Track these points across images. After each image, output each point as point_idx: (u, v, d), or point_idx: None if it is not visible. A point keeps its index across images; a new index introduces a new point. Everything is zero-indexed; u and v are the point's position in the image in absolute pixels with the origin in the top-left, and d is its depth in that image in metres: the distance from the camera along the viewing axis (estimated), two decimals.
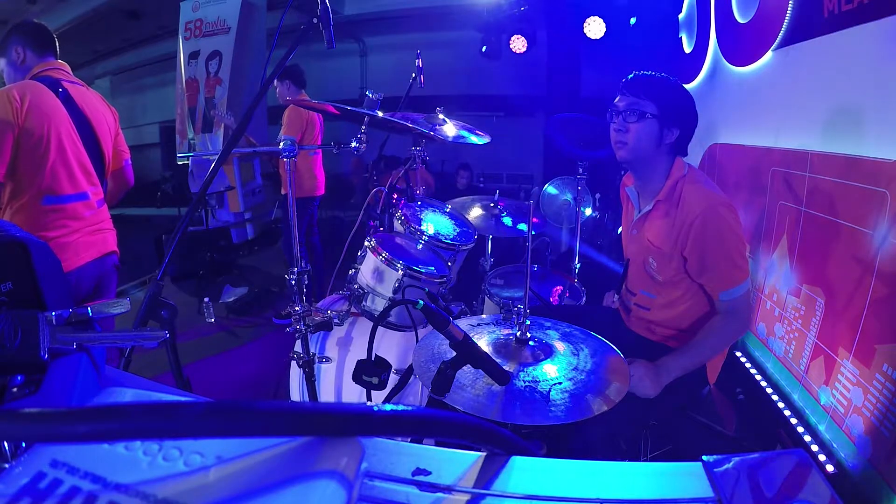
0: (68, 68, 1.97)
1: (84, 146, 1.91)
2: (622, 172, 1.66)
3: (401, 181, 2.08)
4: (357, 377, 1.30)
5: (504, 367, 0.94)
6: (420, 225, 1.89)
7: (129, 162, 2.17)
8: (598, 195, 3.24)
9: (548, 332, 1.24)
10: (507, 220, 2.43)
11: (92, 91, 2.03)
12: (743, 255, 1.42)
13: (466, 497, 0.36)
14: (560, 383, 1.01)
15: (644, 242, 1.56)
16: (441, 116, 1.99)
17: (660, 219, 1.52)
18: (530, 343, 1.13)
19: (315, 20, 1.44)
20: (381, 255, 1.67)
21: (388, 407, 0.33)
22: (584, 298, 2.34)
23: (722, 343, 1.48)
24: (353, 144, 1.63)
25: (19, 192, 1.77)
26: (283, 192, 3.65)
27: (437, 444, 0.42)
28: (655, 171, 1.53)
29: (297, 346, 1.65)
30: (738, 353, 2.51)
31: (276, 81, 3.31)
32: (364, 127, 1.63)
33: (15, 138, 1.70)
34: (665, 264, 1.51)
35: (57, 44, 1.97)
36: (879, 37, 1.57)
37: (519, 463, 0.40)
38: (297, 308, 1.56)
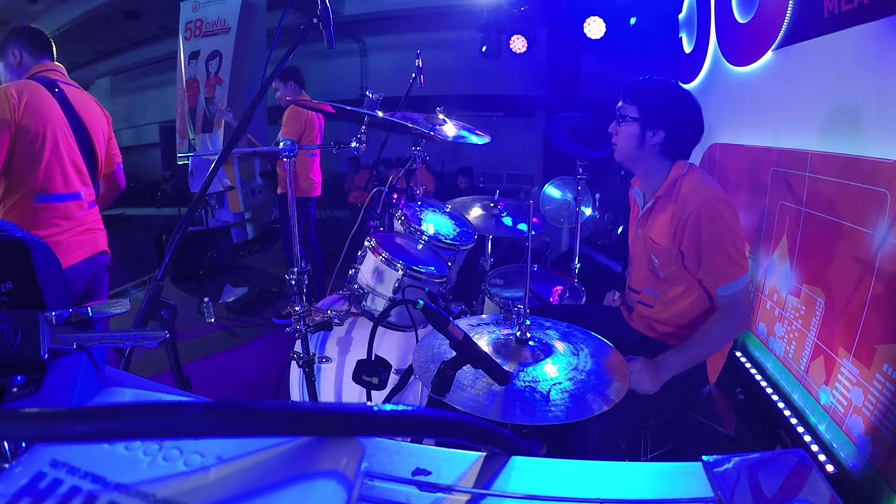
0: (64, 70, 1.98)
1: (78, 147, 1.91)
2: (621, 172, 1.69)
3: (401, 181, 2.08)
4: (357, 377, 1.30)
5: (504, 367, 0.94)
6: (420, 225, 1.89)
7: (121, 166, 2.18)
8: (598, 195, 3.23)
9: (548, 332, 1.24)
10: (507, 220, 2.43)
11: (87, 94, 2.04)
12: (739, 250, 1.42)
13: (466, 497, 0.36)
14: (560, 383, 1.01)
15: (647, 241, 1.58)
16: (441, 116, 1.99)
17: (660, 215, 1.55)
18: (530, 343, 1.13)
19: (315, 20, 1.44)
20: (381, 255, 1.67)
21: (388, 407, 0.33)
22: (584, 298, 2.34)
23: (721, 339, 1.48)
24: (353, 144, 1.63)
25: (13, 189, 1.77)
26: (279, 191, 3.65)
27: (437, 444, 0.42)
28: (652, 172, 1.56)
29: (297, 346, 1.65)
30: (738, 353, 2.51)
31: (277, 83, 3.31)
32: (364, 127, 1.63)
33: (11, 136, 1.71)
34: (666, 260, 1.52)
35: (54, 46, 1.98)
36: (879, 37, 1.57)
37: (519, 463, 0.40)
38: (297, 308, 1.56)
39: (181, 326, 3.31)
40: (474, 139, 1.99)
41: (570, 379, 1.03)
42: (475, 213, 2.43)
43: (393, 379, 1.44)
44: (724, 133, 2.85)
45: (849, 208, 1.71)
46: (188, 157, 5.58)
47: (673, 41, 3.86)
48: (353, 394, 1.74)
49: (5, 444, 0.40)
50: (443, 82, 6.37)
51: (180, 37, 6.10)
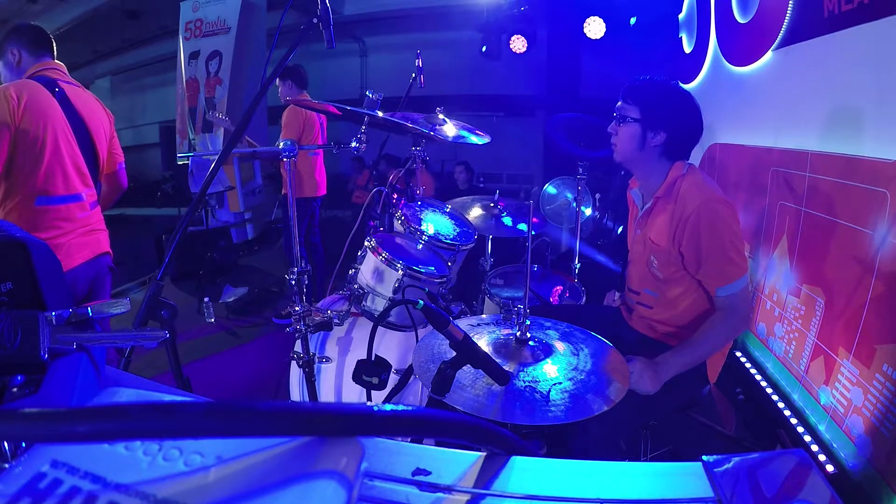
0: (65, 69, 1.96)
1: (79, 147, 1.89)
2: (621, 172, 1.69)
3: (401, 181, 2.08)
4: (357, 377, 1.30)
5: (504, 367, 0.94)
6: (420, 225, 1.89)
7: (123, 165, 2.15)
8: (598, 195, 3.23)
9: (548, 332, 1.24)
10: (507, 220, 2.43)
11: (88, 92, 2.02)
12: (739, 251, 1.42)
13: (466, 497, 0.36)
14: (560, 383, 1.01)
15: (646, 241, 1.58)
16: (441, 116, 1.99)
17: (659, 215, 1.55)
18: (530, 343, 1.13)
19: (315, 20, 1.44)
20: (381, 255, 1.67)
21: (388, 407, 0.33)
22: (584, 298, 2.34)
23: (721, 340, 1.48)
24: (353, 144, 1.63)
25: (13, 191, 1.75)
26: (283, 192, 3.65)
27: (437, 444, 0.42)
28: (651, 172, 1.57)
29: (297, 346, 1.65)
30: (738, 353, 2.51)
31: (277, 80, 3.31)
32: (364, 127, 1.63)
33: (11, 138, 1.69)
34: (665, 261, 1.52)
35: (54, 44, 1.96)
36: (879, 37, 1.57)
37: (519, 463, 0.40)
38: (297, 308, 1.56)
39: (181, 326, 3.31)
40: (474, 139, 1.99)
41: (570, 379, 1.03)
42: (475, 213, 2.43)
43: (393, 379, 1.44)
44: (723, 133, 2.85)
45: (849, 208, 1.71)
46: (188, 157, 5.59)
47: (673, 41, 3.86)
48: (353, 394, 1.74)
49: (5, 444, 0.40)
50: (443, 82, 6.36)
51: (180, 37, 6.11)
